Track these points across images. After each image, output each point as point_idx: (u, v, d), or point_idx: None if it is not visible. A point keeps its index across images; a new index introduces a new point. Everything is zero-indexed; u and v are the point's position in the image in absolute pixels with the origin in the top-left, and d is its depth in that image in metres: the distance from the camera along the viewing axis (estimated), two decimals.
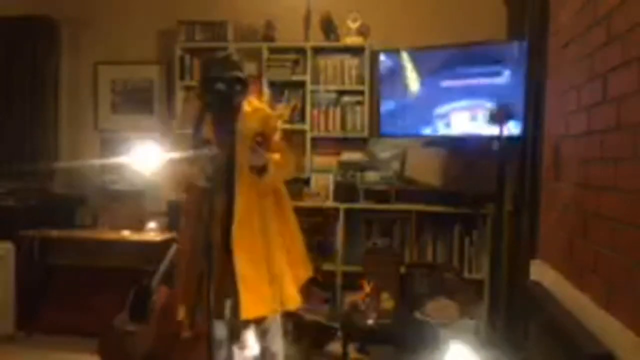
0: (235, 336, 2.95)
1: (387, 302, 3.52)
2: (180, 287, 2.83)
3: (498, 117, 3.38)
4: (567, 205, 2.09)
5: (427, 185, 4.12)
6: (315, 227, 4.03)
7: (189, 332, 2.72)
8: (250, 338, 3.06)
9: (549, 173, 2.43)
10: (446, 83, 3.83)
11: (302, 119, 4.32)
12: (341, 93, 4.31)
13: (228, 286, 2.63)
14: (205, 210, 2.49)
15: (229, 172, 2.66)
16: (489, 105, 3.59)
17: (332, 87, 4.30)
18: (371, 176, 4.12)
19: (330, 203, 4.18)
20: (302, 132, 4.29)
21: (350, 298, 3.71)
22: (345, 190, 4.15)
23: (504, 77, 3.62)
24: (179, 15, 4.50)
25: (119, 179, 4.59)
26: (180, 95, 4.48)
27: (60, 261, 4.32)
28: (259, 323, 2.86)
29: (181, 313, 2.73)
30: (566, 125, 2.17)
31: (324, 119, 4.31)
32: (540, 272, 2.36)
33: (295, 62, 4.36)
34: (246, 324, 2.90)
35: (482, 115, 3.65)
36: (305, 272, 2.94)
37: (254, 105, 2.84)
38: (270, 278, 2.71)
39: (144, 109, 4.72)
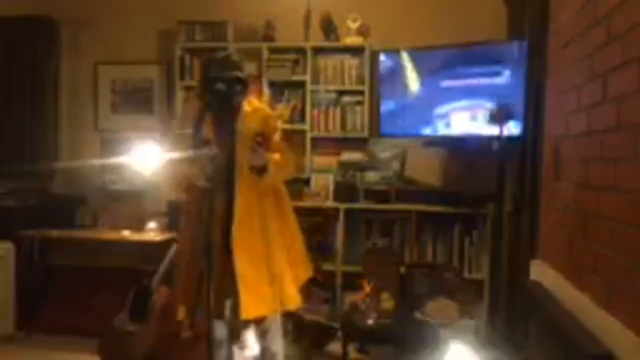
0: (235, 336, 2.95)
1: (387, 302, 3.52)
2: (180, 287, 2.83)
3: (498, 117, 3.38)
4: (567, 205, 2.09)
5: (427, 185, 4.12)
6: (315, 227, 4.03)
7: (189, 332, 2.72)
8: (250, 338, 3.06)
9: (549, 173, 2.43)
10: (446, 83, 3.83)
11: (302, 119, 4.32)
12: (341, 93, 4.31)
13: (228, 286, 2.63)
14: (205, 210, 2.49)
15: (229, 172, 2.66)
16: (489, 105, 3.59)
17: (332, 87, 4.30)
18: (371, 176, 4.12)
19: (330, 203, 4.18)
20: (302, 132, 4.29)
21: (350, 298, 3.72)
22: (345, 190, 4.15)
23: (504, 77, 3.62)
24: (179, 15, 4.50)
25: (119, 179, 4.59)
26: (180, 95, 4.48)
27: (60, 261, 4.32)
28: (259, 323, 2.86)
29: (181, 313, 2.73)
30: (566, 125, 2.17)
31: (324, 119, 4.31)
32: (540, 272, 2.36)
33: (295, 62, 4.36)
34: (246, 324, 2.90)
35: (482, 115, 3.65)
36: (305, 272, 2.94)
37: (254, 105, 2.84)
38: (270, 278, 2.71)
39: (144, 109, 4.72)
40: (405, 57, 3.96)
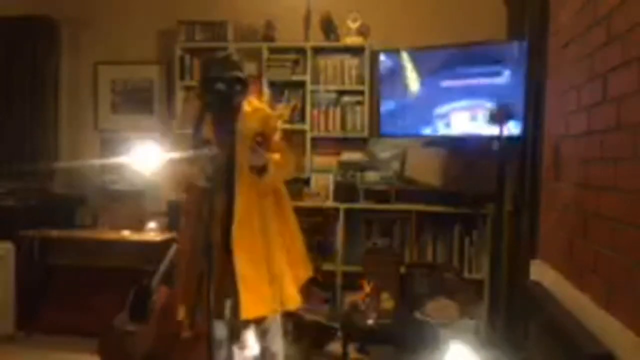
0: (235, 336, 2.95)
1: (387, 302, 3.52)
2: (180, 287, 2.83)
3: (498, 117, 3.38)
4: (567, 205, 2.09)
5: (427, 185, 4.12)
6: (315, 227, 4.03)
7: (189, 332, 2.72)
8: (250, 338, 3.06)
9: (549, 173, 2.43)
10: (446, 83, 3.83)
11: (302, 119, 4.32)
12: (341, 93, 4.31)
13: (228, 286, 2.63)
14: (205, 210, 2.49)
15: (229, 172, 2.66)
16: (489, 105, 3.59)
17: (332, 87, 4.30)
18: (371, 176, 4.12)
19: (330, 203, 4.18)
20: (302, 132, 4.29)
21: (350, 298, 3.72)
22: (345, 190, 4.15)
23: (504, 77, 3.62)
24: (179, 15, 4.50)
25: (119, 179, 4.59)
26: (180, 95, 4.48)
27: (60, 261, 4.32)
28: (259, 323, 2.86)
29: (181, 313, 2.73)
30: (566, 125, 2.17)
31: (324, 119, 4.31)
32: (540, 272, 2.36)
33: (295, 62, 4.36)
34: (246, 324, 2.90)
35: (482, 115, 3.65)
36: (305, 272, 2.94)
37: (254, 105, 2.84)
38: (270, 278, 2.71)
39: (144, 109, 4.72)
40: (405, 57, 3.96)
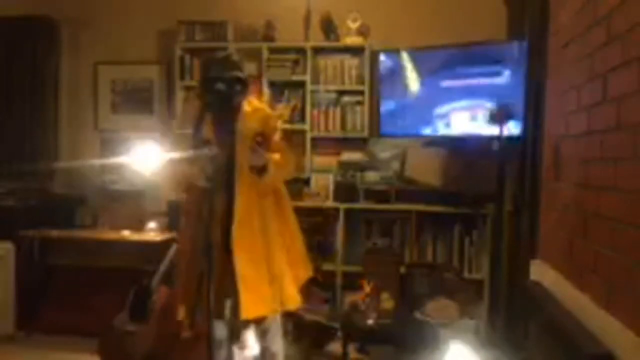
0: (235, 336, 2.95)
1: (387, 302, 3.52)
2: (180, 287, 2.83)
3: (498, 117, 3.38)
4: (567, 205, 2.09)
5: (427, 185, 4.12)
6: (315, 227, 4.03)
7: (189, 332, 2.72)
8: (250, 338, 3.06)
9: (549, 173, 2.43)
10: (446, 83, 3.83)
11: (302, 119, 4.32)
12: (341, 93, 4.31)
13: (228, 286, 2.63)
14: (205, 210, 2.49)
15: (229, 172, 2.65)
16: (489, 105, 3.59)
17: (332, 87, 4.30)
18: (371, 176, 4.12)
19: (330, 203, 4.18)
20: (302, 132, 4.29)
21: (350, 298, 3.72)
22: (345, 190, 4.15)
23: (504, 77, 3.62)
24: (179, 15, 4.50)
25: (119, 179, 4.59)
26: (180, 95, 4.48)
27: (60, 261, 4.32)
28: (259, 323, 2.86)
29: (181, 313, 2.73)
30: (566, 125, 2.17)
31: (324, 119, 4.31)
32: (540, 272, 2.36)
33: (295, 62, 4.36)
34: (246, 324, 2.90)
35: (482, 115, 3.65)
36: (305, 272, 2.94)
37: (254, 105, 2.84)
38: (270, 278, 2.71)
39: (144, 109, 4.72)
40: (405, 57, 3.96)
